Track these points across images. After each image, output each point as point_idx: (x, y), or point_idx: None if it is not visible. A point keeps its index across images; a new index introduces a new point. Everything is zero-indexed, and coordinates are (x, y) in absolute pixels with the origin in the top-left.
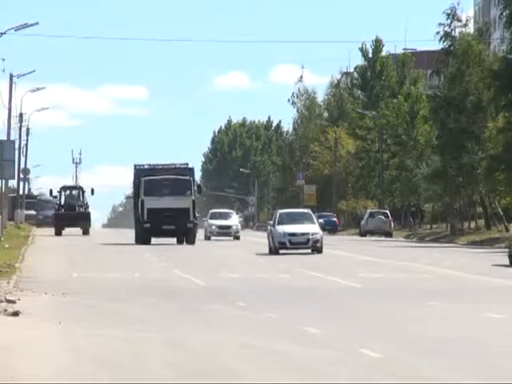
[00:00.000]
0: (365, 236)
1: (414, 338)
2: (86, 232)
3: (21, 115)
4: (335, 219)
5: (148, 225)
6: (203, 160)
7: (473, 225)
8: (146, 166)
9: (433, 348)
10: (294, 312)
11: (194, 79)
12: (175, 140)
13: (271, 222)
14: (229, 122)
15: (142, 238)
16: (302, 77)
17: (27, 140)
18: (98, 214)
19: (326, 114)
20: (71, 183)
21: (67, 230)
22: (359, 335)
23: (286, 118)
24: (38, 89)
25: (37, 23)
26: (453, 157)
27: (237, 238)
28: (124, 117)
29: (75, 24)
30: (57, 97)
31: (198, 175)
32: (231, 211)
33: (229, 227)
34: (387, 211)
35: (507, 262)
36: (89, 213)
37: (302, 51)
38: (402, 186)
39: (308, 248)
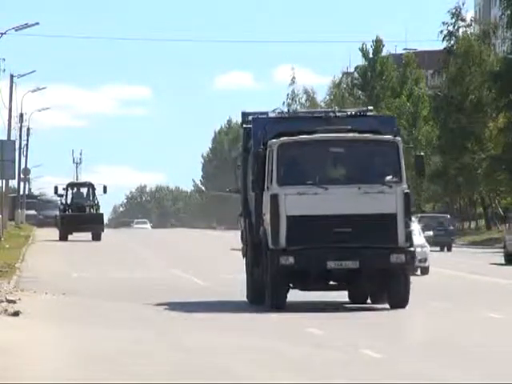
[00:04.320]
0: None
1: (414, 338)
2: (97, 237)
3: (21, 115)
4: None
5: (291, 259)
6: (203, 160)
7: (473, 225)
8: (273, 114)
9: (432, 348)
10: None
11: (199, 79)
12: (178, 140)
13: None
14: (229, 121)
15: (275, 294)
16: (294, 78)
17: (28, 140)
18: None
19: None
20: None
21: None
22: (360, 335)
23: None
24: (39, 89)
25: (37, 23)
26: (453, 157)
27: (423, 271)
28: (127, 117)
29: (75, 24)
30: (59, 97)
31: (198, 175)
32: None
33: None
34: None
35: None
36: (101, 214)
37: (303, 51)
38: None
39: None
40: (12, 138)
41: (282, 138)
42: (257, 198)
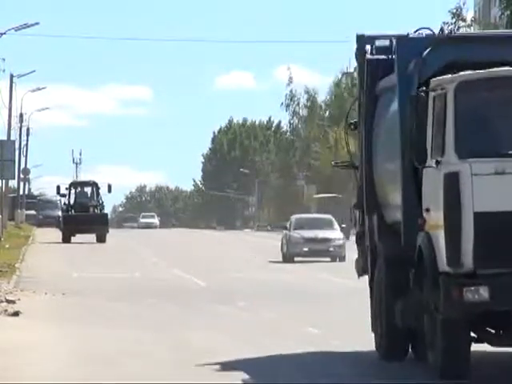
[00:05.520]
0: None
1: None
2: (101, 239)
3: (21, 115)
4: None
5: (484, 293)
6: (203, 160)
7: None
8: (426, 34)
9: None
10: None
11: (199, 79)
12: (178, 140)
13: None
14: (230, 121)
15: (453, 353)
16: (291, 78)
17: (27, 140)
18: None
19: (327, 114)
20: None
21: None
22: (359, 335)
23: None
24: (39, 89)
25: (37, 23)
26: None
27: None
28: (127, 117)
29: (75, 24)
30: (59, 97)
31: (198, 175)
32: None
33: None
34: None
35: None
36: (106, 215)
37: (303, 51)
38: None
39: None
40: (12, 138)
41: (462, 73)
42: (406, 177)
